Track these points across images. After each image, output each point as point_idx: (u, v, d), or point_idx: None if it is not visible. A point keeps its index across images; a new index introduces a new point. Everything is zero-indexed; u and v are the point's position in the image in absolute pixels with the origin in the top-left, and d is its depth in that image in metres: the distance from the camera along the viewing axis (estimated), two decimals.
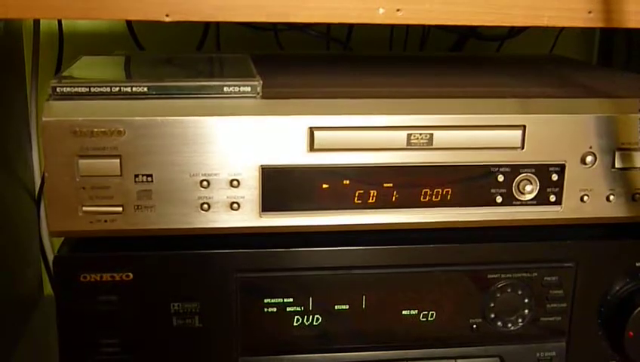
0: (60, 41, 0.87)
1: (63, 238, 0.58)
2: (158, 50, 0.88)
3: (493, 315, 0.61)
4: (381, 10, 0.55)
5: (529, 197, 0.58)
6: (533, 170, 0.58)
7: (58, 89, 0.53)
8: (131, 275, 0.56)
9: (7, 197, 0.82)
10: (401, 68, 0.76)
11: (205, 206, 0.55)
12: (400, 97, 0.58)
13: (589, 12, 0.57)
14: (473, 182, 0.57)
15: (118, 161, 0.53)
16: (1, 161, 0.79)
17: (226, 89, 0.55)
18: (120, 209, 0.54)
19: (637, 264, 0.62)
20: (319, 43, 0.95)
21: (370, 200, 0.57)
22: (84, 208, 0.54)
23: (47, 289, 1.01)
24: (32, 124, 0.91)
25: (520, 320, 0.61)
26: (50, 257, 0.97)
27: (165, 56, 0.71)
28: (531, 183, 0.58)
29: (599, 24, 0.57)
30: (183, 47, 0.91)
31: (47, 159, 0.52)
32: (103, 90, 0.54)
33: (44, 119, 0.52)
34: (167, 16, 0.53)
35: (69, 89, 0.53)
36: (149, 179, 0.54)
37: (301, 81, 0.65)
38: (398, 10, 0.55)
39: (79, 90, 0.53)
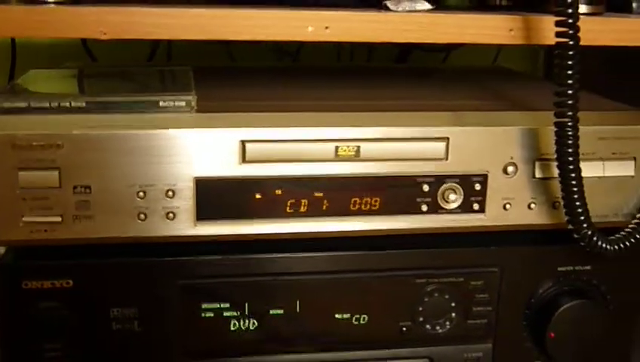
0: (13, 53, 0.89)
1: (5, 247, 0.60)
2: (111, 60, 0.91)
3: (421, 318, 0.63)
4: (310, 29, 0.57)
5: (454, 205, 0.61)
6: (457, 180, 0.61)
7: None
8: (71, 282, 0.58)
9: None
10: (342, 80, 0.79)
11: (142, 216, 0.57)
12: (329, 110, 0.60)
13: (510, 30, 0.60)
14: (400, 191, 0.60)
15: (57, 173, 0.55)
16: None
17: (161, 103, 0.58)
18: (59, 219, 0.56)
19: (559, 268, 0.65)
20: (272, 54, 0.98)
21: (301, 210, 0.59)
22: (25, 218, 0.56)
23: None
24: None
25: (447, 323, 0.64)
26: None
27: (114, 68, 0.74)
28: (455, 193, 0.61)
29: (519, 41, 0.61)
30: (136, 57, 0.93)
31: None
32: (43, 105, 0.56)
33: None
34: (104, 34, 0.55)
35: (9, 104, 0.56)
36: (88, 190, 0.56)
37: (238, 94, 0.67)
38: (326, 27, 0.58)
39: (19, 105, 0.56)
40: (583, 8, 0.63)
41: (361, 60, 1.00)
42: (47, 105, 0.56)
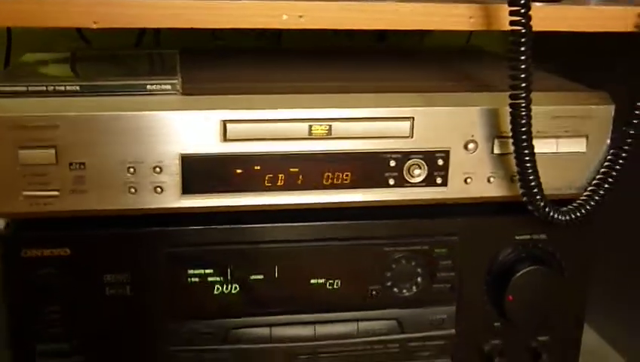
0: (9, 38, 0.93)
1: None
2: (103, 43, 0.95)
3: (390, 283, 0.69)
4: (285, 17, 0.62)
5: (418, 179, 0.67)
6: (422, 156, 0.66)
7: (0, 88, 0.61)
8: (68, 251, 0.63)
9: None
10: (320, 61, 0.84)
11: (132, 189, 0.63)
12: (304, 92, 0.66)
13: (470, 17, 0.65)
14: (368, 167, 0.66)
15: (54, 151, 0.60)
16: None
17: (149, 87, 0.63)
18: (57, 193, 0.62)
19: (517, 237, 0.70)
20: (255, 34, 1.02)
21: (278, 183, 0.65)
22: (25, 193, 0.61)
23: None
24: None
25: (414, 288, 0.70)
26: None
27: (105, 52, 0.78)
28: (420, 168, 0.66)
29: (479, 27, 0.65)
30: (128, 40, 0.98)
31: None
32: (40, 88, 0.61)
33: None
34: (94, 23, 0.60)
35: (9, 88, 0.61)
36: (82, 166, 0.61)
37: (220, 76, 0.72)
38: (300, 16, 0.62)
39: (18, 88, 0.61)
40: None
41: (344, 39, 1.04)
42: (44, 88, 0.61)
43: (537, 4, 0.67)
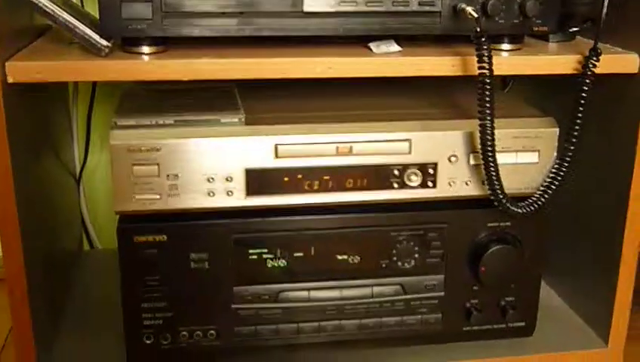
0: (93, 88, 1.18)
1: (118, 214, 0.90)
2: None
3: (395, 258, 0.94)
4: (319, 69, 0.87)
5: (415, 184, 0.92)
6: (417, 167, 0.91)
7: (117, 122, 0.86)
8: (165, 237, 0.89)
9: (55, 177, 1.09)
10: (344, 91, 1.06)
11: (211, 193, 0.88)
12: (332, 122, 0.90)
13: (453, 65, 0.89)
14: (379, 175, 0.90)
15: (157, 167, 0.86)
16: (50, 149, 1.06)
17: (222, 120, 0.88)
18: (158, 197, 0.87)
19: (488, 224, 0.95)
20: None
21: (315, 188, 0.90)
22: (136, 196, 0.87)
23: (86, 245, 1.33)
24: (74, 121, 1.23)
25: (413, 261, 0.95)
26: (87, 222, 1.30)
27: (179, 87, 1.00)
28: (416, 175, 0.91)
29: (459, 73, 0.89)
30: None
31: (114, 167, 0.85)
32: (146, 123, 0.86)
33: (112, 143, 0.84)
34: (184, 76, 0.85)
35: (125, 123, 0.86)
36: (176, 177, 0.87)
37: (272, 107, 0.96)
38: (329, 68, 0.87)
39: (131, 123, 0.86)
40: (506, 47, 0.92)
41: None
42: (149, 123, 0.86)
43: (504, 53, 0.91)
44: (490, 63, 0.84)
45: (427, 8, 0.87)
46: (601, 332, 1.03)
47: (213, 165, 0.86)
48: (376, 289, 0.95)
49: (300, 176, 0.89)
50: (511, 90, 1.23)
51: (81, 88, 1.23)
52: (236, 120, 0.88)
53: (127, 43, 0.85)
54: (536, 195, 0.93)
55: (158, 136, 0.85)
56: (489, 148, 0.87)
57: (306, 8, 0.85)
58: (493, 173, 0.88)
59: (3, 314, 0.93)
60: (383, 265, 0.94)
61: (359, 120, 0.91)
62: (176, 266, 0.90)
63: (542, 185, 0.94)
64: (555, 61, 0.92)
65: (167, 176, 0.86)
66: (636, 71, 0.92)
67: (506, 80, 1.25)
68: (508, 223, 0.95)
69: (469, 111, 0.95)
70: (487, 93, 0.85)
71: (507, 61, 0.90)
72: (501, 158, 0.89)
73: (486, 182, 0.89)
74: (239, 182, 0.88)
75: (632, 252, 0.98)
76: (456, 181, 0.92)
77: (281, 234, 0.91)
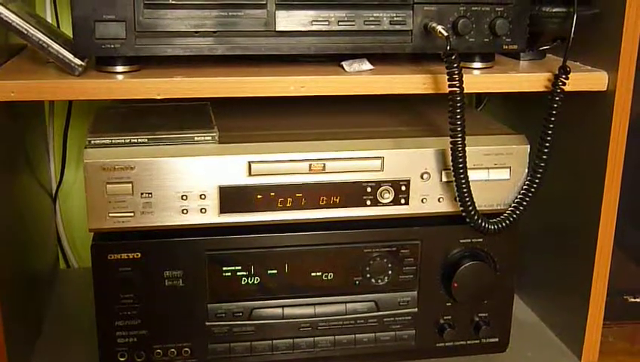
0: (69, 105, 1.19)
1: (92, 232, 0.91)
2: None
3: (368, 275, 0.95)
4: (291, 88, 0.88)
5: (388, 200, 0.93)
6: (390, 184, 0.92)
7: (92, 141, 0.87)
8: (139, 254, 0.89)
9: (31, 196, 1.10)
10: (318, 108, 1.08)
11: (185, 211, 0.88)
12: (305, 140, 0.91)
13: (424, 84, 0.91)
14: (352, 192, 0.91)
15: (131, 185, 0.86)
16: (26, 168, 1.06)
17: (196, 138, 0.88)
18: (132, 214, 0.87)
19: (461, 240, 0.96)
20: None
21: (287, 205, 0.91)
22: (110, 214, 0.87)
23: (62, 264, 1.33)
24: (50, 140, 1.23)
25: (386, 278, 0.96)
26: (64, 240, 1.30)
27: (151, 105, 1.00)
28: (389, 192, 0.92)
29: (430, 91, 0.91)
30: None
31: (88, 185, 0.85)
32: (120, 141, 0.87)
33: (85, 161, 0.85)
34: (158, 95, 0.86)
35: (99, 141, 0.86)
36: (150, 195, 0.87)
37: (245, 125, 0.97)
38: (302, 87, 0.88)
39: (105, 141, 0.87)
40: (477, 65, 0.94)
41: None
42: (122, 141, 0.87)
43: (475, 72, 0.92)
44: (461, 81, 0.85)
45: (398, 27, 0.88)
46: (574, 348, 1.04)
47: (187, 183, 0.87)
48: (349, 305, 0.96)
49: (273, 194, 0.90)
50: (483, 108, 1.24)
51: (57, 107, 1.23)
52: (210, 138, 0.89)
53: (101, 62, 0.86)
54: (507, 212, 0.94)
55: (132, 155, 0.86)
56: (460, 166, 0.88)
57: (279, 27, 0.86)
58: (465, 190, 0.89)
59: None
60: (357, 282, 0.95)
61: (332, 138, 0.92)
62: (151, 283, 0.90)
63: (513, 202, 0.95)
64: (525, 79, 0.93)
65: (141, 194, 0.87)
66: (605, 88, 0.93)
67: (480, 98, 1.26)
68: (480, 239, 0.96)
69: (441, 129, 0.96)
70: (458, 110, 0.86)
71: (478, 79, 0.92)
72: (473, 175, 0.90)
73: (458, 199, 0.90)
74: (213, 200, 0.88)
75: (604, 267, 0.99)
76: (429, 198, 0.93)
77: (255, 252, 0.92)
